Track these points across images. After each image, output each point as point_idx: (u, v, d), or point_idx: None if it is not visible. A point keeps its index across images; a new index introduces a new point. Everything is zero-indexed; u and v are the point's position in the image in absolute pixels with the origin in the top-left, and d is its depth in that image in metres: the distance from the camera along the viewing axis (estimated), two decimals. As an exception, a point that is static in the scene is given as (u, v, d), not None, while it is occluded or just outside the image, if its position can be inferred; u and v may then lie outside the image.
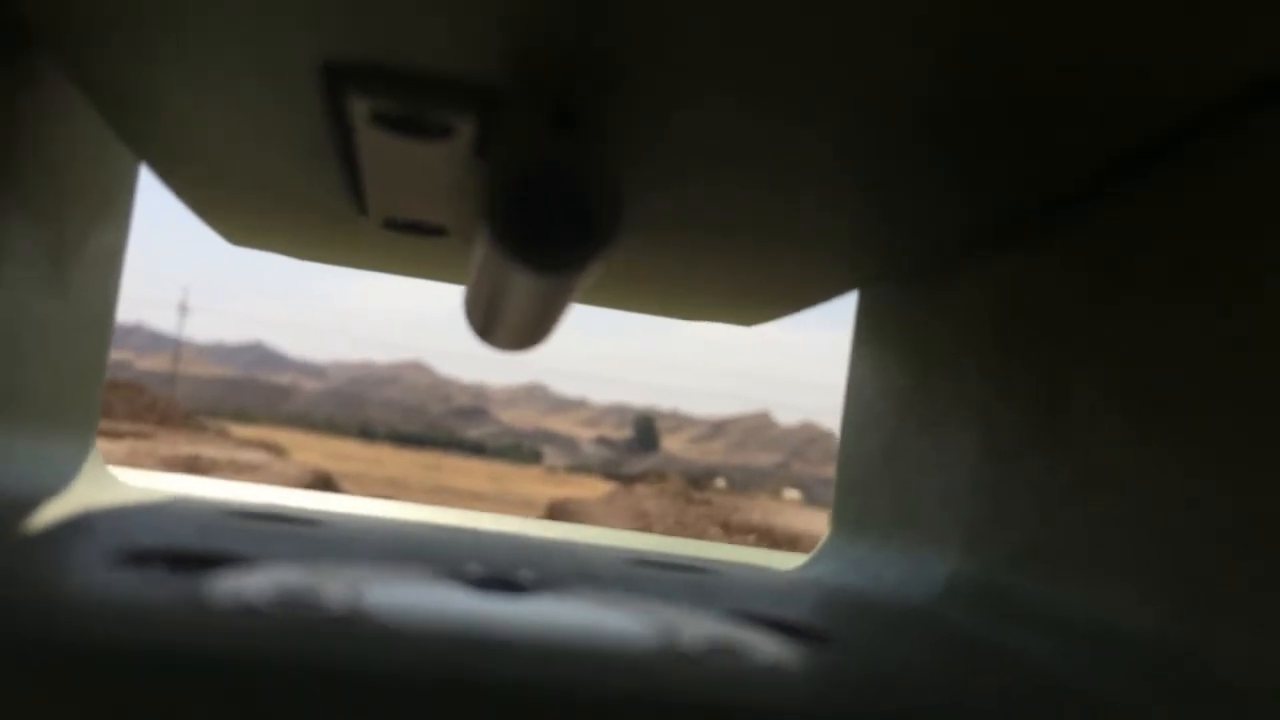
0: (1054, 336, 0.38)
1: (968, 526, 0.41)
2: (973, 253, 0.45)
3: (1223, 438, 0.28)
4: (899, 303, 0.52)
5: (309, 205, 0.49)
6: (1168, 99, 0.29)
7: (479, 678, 0.23)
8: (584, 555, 0.49)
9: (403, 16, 0.28)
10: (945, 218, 0.41)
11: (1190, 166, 0.32)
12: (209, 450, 11.15)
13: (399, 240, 0.51)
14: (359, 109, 0.33)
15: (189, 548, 0.34)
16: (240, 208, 0.52)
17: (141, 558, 0.31)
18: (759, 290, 0.57)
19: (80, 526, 0.37)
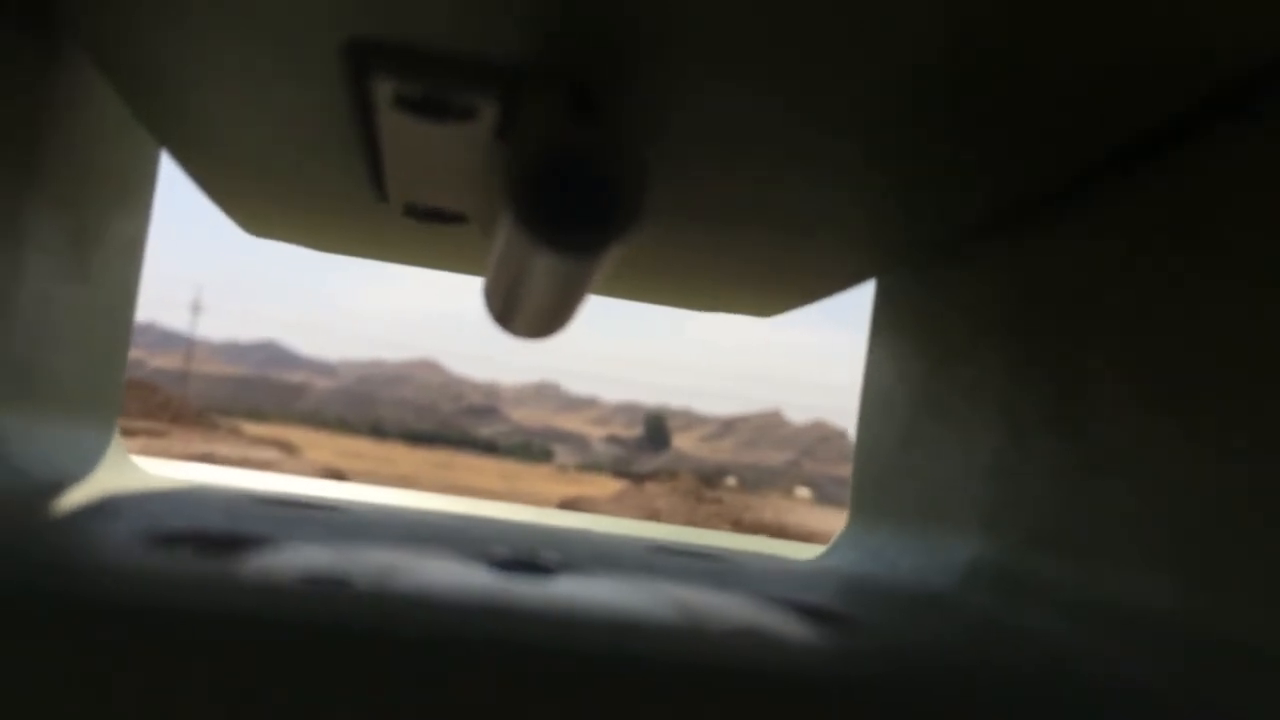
0: (1071, 321, 0.38)
1: (987, 511, 0.41)
2: (989, 238, 0.45)
3: (1237, 419, 0.29)
4: (916, 290, 0.52)
5: (328, 192, 0.49)
6: (1182, 82, 0.29)
7: (510, 641, 0.23)
8: (604, 542, 0.49)
9: None
10: (962, 204, 0.41)
11: (1205, 150, 0.32)
12: (222, 448, 11.19)
13: (417, 229, 0.51)
14: (383, 91, 0.33)
15: (216, 530, 0.34)
16: (259, 195, 0.52)
17: (170, 540, 0.31)
18: (776, 280, 0.57)
19: (107, 510, 0.37)
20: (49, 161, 0.38)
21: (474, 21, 0.29)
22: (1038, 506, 0.38)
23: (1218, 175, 0.31)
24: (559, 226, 0.25)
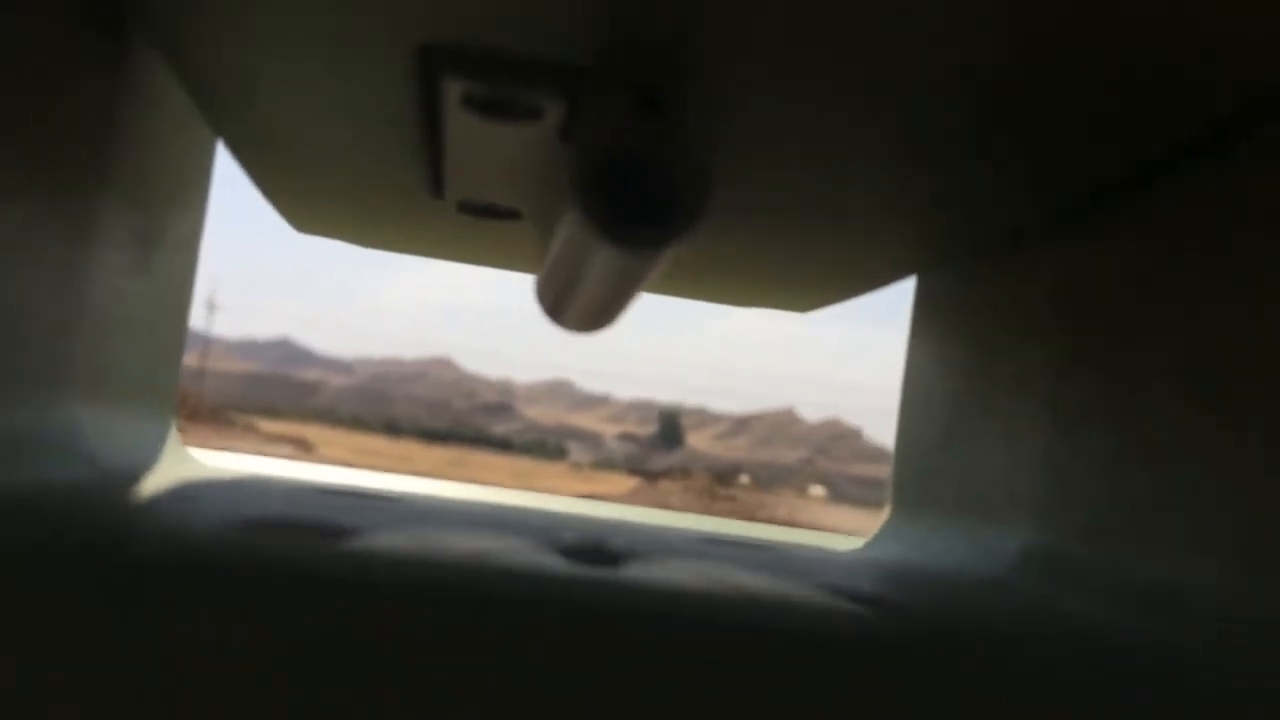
0: (1119, 318, 0.38)
1: (1037, 503, 0.42)
2: (1033, 236, 0.45)
3: None
4: (958, 287, 0.53)
5: (383, 188, 0.50)
6: (1230, 83, 0.29)
7: (621, 611, 0.25)
8: (659, 533, 0.49)
9: (498, 0, 0.29)
10: (1010, 203, 0.42)
11: (1249, 151, 0.32)
12: (238, 445, 11.27)
13: (468, 225, 0.52)
14: (452, 91, 0.34)
15: (307, 518, 0.35)
16: (313, 191, 0.53)
17: (260, 526, 0.32)
18: (818, 275, 0.57)
19: (185, 497, 0.38)
20: (118, 160, 0.39)
21: (542, 25, 0.30)
22: (1089, 499, 0.38)
23: (1269, 175, 0.31)
24: (623, 224, 0.25)
